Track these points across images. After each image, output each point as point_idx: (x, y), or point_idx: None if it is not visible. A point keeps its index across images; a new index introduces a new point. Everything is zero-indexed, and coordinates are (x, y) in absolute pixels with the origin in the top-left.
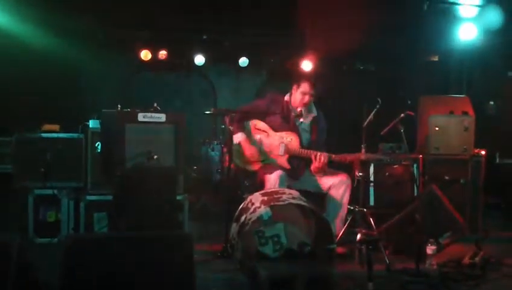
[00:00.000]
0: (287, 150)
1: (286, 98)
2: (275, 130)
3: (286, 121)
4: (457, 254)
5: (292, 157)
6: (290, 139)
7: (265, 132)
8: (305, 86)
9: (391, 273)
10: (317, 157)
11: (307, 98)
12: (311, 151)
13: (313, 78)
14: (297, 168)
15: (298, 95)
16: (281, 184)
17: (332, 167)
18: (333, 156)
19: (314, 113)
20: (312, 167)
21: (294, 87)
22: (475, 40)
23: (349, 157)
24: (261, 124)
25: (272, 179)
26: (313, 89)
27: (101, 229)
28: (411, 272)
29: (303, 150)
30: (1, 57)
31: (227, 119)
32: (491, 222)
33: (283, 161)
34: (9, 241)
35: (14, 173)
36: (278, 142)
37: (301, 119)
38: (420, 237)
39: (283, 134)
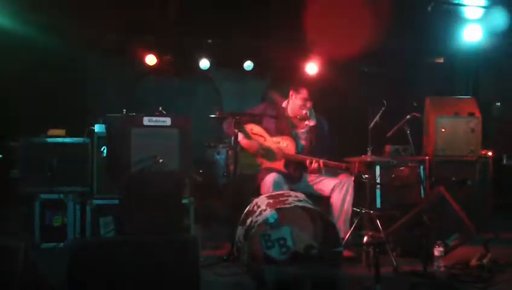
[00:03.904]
0: (283, 155)
1: (284, 104)
2: (271, 135)
3: (281, 127)
4: (465, 256)
5: (289, 162)
6: (285, 144)
7: (262, 136)
8: (303, 93)
9: (399, 275)
10: (312, 163)
11: (306, 104)
12: (307, 157)
13: (312, 84)
14: (295, 173)
15: (296, 102)
16: (275, 187)
17: (331, 170)
18: (329, 162)
19: (313, 121)
20: (308, 170)
21: (293, 93)
22: (480, 42)
23: (345, 164)
24: (257, 129)
25: (267, 183)
26: (311, 95)
27: (107, 234)
28: (419, 274)
29: (299, 155)
30: (7, 61)
31: (225, 125)
32: (498, 224)
33: (280, 166)
34: (16, 246)
35: (21, 178)
36: (275, 146)
37: (299, 128)
38: (428, 239)
39: (279, 139)
